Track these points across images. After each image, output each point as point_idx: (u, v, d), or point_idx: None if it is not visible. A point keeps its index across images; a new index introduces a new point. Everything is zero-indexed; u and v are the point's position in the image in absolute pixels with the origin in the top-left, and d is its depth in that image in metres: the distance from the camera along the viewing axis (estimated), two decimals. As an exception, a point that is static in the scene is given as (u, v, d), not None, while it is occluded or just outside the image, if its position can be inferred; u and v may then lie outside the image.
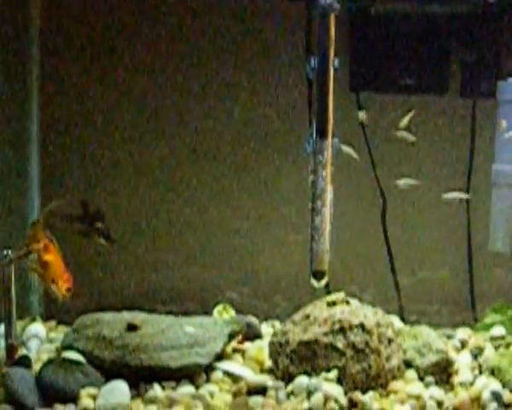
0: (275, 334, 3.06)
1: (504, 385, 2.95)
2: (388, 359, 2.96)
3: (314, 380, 2.87)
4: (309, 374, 2.91)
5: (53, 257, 2.98)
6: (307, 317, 3.01)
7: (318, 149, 3.24)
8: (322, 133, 3.24)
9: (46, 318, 3.45)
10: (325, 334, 2.93)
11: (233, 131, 3.56)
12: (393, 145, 3.50)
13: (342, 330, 2.93)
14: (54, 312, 3.48)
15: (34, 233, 2.99)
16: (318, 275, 3.30)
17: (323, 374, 2.89)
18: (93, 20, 3.50)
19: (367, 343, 2.92)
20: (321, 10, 3.21)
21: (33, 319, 3.39)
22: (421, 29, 3.43)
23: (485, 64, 3.44)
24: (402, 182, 3.32)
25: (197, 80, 3.56)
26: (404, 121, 3.27)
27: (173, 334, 3.01)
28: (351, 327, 2.94)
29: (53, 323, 3.42)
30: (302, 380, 2.89)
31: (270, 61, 3.52)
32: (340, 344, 2.92)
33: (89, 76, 3.54)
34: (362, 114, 3.34)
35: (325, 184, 3.25)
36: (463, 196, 3.36)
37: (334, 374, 2.89)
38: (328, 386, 2.85)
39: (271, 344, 3.03)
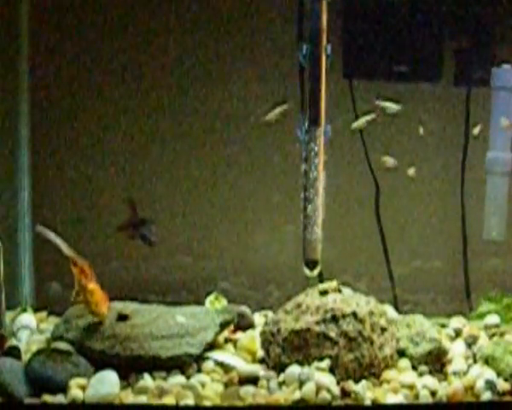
0: (266, 323, 3.03)
1: (499, 374, 2.92)
2: (381, 348, 2.93)
3: (306, 370, 2.84)
4: (301, 363, 2.88)
5: (94, 283, 2.98)
6: (299, 306, 2.98)
7: (311, 136, 3.23)
8: (314, 121, 3.23)
9: (37, 308, 3.41)
10: (317, 323, 2.90)
11: (225, 121, 3.53)
12: (387, 134, 3.48)
13: (334, 319, 2.90)
14: (45, 302, 3.46)
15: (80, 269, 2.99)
16: (311, 264, 3.29)
17: (315, 363, 2.86)
18: (84, 19, 3.48)
19: (359, 332, 2.89)
20: (313, -4, 3.20)
21: (24, 310, 3.36)
22: (414, 16, 3.40)
23: (479, 51, 3.41)
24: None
25: (191, 71, 3.53)
26: (359, 123, 3.23)
27: (164, 324, 2.98)
28: (343, 316, 2.91)
29: (44, 313, 3.38)
30: (294, 370, 2.86)
31: (262, 48, 3.49)
32: (332, 333, 2.89)
33: (79, 75, 3.52)
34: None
35: (317, 172, 3.24)
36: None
37: (326, 363, 2.86)
38: (320, 375, 2.82)
39: (263, 333, 3.00)
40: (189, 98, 3.53)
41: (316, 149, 3.23)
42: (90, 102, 3.53)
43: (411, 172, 3.31)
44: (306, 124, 3.23)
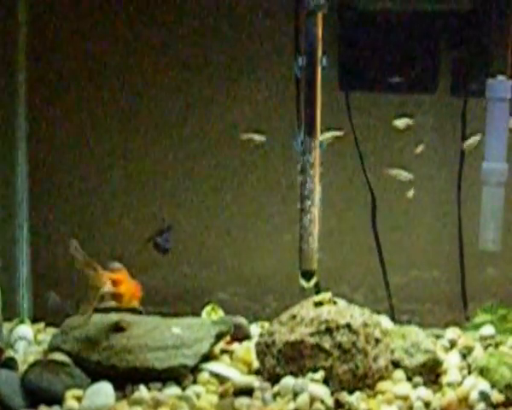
0: (261, 334, 3.04)
1: (493, 385, 2.92)
2: (375, 359, 2.93)
3: (300, 381, 2.85)
4: (295, 375, 2.89)
5: (124, 285, 2.99)
6: (294, 317, 2.99)
7: (306, 148, 3.24)
8: (310, 133, 3.25)
9: (35, 319, 3.43)
10: (311, 334, 2.91)
11: (222, 132, 3.55)
12: (383, 144, 3.49)
13: (329, 331, 2.91)
14: (43, 313, 3.48)
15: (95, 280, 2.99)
16: (307, 275, 3.30)
17: (310, 375, 2.87)
18: (81, 24, 3.50)
19: (354, 344, 2.90)
20: (308, 9, 3.21)
21: (21, 321, 3.38)
22: (410, 28, 3.41)
23: (475, 62, 3.41)
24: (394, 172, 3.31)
25: (188, 83, 3.55)
26: (326, 137, 3.25)
27: (160, 335, 3.00)
28: (337, 327, 2.91)
29: (41, 324, 3.40)
30: (288, 381, 2.87)
31: (259, 60, 3.50)
32: (326, 345, 2.90)
33: (77, 77, 3.54)
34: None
35: (314, 183, 3.25)
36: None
37: (320, 375, 2.87)
38: (314, 387, 2.83)
39: (258, 345, 3.01)
40: (188, 108, 3.54)
41: (311, 160, 3.25)
42: (88, 113, 3.55)
43: (410, 194, 3.32)
44: (302, 135, 3.25)
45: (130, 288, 3.01)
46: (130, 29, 3.51)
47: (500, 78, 3.31)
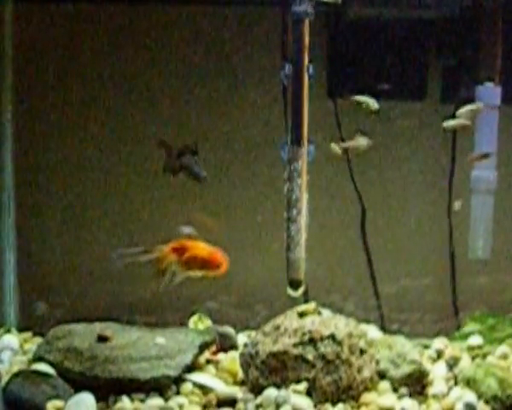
0: (245, 345, 3.01)
1: (480, 397, 2.88)
2: (360, 370, 2.90)
3: (283, 392, 2.82)
4: (278, 386, 2.86)
5: (191, 252, 2.99)
6: (278, 328, 2.95)
7: (293, 156, 3.22)
8: (297, 141, 3.22)
9: (22, 329, 3.41)
10: (295, 345, 2.88)
11: (210, 141, 3.52)
12: (373, 153, 3.46)
13: (312, 342, 2.88)
14: (30, 323, 3.46)
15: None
16: (295, 284, 3.27)
17: (293, 386, 2.85)
18: (68, 32, 3.49)
19: (337, 355, 2.87)
20: (295, 16, 3.19)
21: (8, 330, 3.37)
22: (398, 35, 3.39)
23: (464, 69, 3.39)
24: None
25: (178, 91, 3.54)
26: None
27: (143, 345, 2.98)
28: (321, 338, 2.88)
29: (29, 334, 3.38)
30: (271, 392, 2.84)
31: (246, 67, 3.48)
32: (309, 356, 2.87)
33: (63, 82, 3.53)
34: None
35: (300, 192, 3.22)
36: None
37: (303, 386, 2.84)
38: (297, 398, 2.80)
39: (242, 355, 2.98)
40: (173, 122, 3.53)
41: (299, 168, 3.22)
42: (79, 119, 3.55)
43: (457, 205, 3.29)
44: (289, 143, 3.23)
45: (198, 252, 2.99)
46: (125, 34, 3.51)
47: (488, 84, 3.28)
